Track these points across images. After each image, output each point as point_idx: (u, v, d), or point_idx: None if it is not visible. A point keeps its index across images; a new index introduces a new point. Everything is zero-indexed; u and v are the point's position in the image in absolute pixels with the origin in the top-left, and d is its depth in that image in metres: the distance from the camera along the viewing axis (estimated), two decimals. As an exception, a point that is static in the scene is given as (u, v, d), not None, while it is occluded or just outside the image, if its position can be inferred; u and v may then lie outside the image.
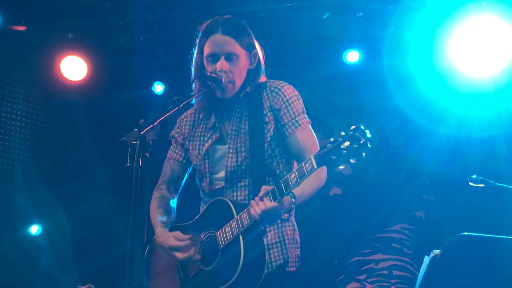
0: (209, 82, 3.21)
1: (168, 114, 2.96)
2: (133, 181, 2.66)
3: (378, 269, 5.82)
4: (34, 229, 6.05)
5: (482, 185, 4.32)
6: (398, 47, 5.39)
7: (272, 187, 2.96)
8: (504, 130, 5.33)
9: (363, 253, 5.91)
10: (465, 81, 5.22)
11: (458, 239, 2.83)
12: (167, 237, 3.29)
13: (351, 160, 2.71)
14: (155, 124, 2.80)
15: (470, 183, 4.35)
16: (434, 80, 5.35)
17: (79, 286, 4.56)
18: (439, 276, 2.86)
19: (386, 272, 5.79)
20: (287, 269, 3.27)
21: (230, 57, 3.25)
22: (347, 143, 2.71)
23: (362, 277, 5.84)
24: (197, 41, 3.35)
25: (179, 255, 3.22)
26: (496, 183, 4.31)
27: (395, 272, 5.77)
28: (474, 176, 4.36)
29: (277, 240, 3.27)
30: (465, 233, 2.85)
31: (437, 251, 2.89)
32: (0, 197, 5.80)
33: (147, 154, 2.70)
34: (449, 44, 5.18)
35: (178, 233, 3.26)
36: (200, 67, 3.32)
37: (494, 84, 5.17)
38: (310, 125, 3.33)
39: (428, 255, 2.94)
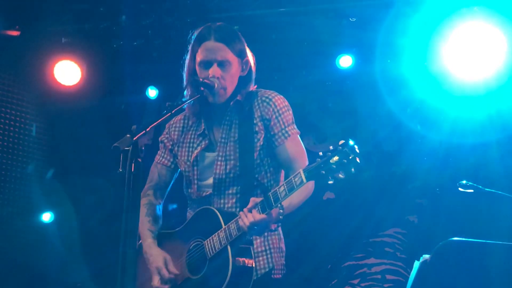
0: (202, 88, 3.23)
1: (160, 120, 2.97)
2: (125, 187, 2.67)
3: (371, 273, 5.83)
4: (47, 217, 6.15)
5: (472, 191, 4.33)
6: (391, 52, 5.41)
7: (261, 199, 2.98)
8: (496, 135, 5.34)
9: (356, 258, 5.92)
10: (457, 85, 5.24)
11: (447, 244, 2.84)
12: (158, 255, 3.31)
13: (340, 175, 2.72)
14: (147, 129, 2.80)
15: (460, 189, 4.37)
16: (427, 85, 5.37)
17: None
18: (428, 281, 2.88)
19: (379, 276, 5.80)
20: (273, 276, 3.30)
21: (222, 64, 3.27)
22: (336, 158, 2.73)
23: (356, 281, 5.85)
24: (190, 47, 3.37)
25: (156, 281, 3.26)
26: (486, 189, 4.32)
27: (388, 277, 5.78)
28: (463, 182, 4.37)
29: (263, 248, 3.30)
30: (454, 238, 2.87)
31: (426, 256, 2.91)
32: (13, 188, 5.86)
33: (139, 160, 2.71)
34: (441, 49, 5.20)
35: (169, 260, 3.27)
36: (192, 73, 3.34)
37: (486, 89, 5.19)
38: (299, 136, 3.36)
39: (419, 259, 2.96)
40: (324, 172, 2.75)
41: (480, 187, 4.28)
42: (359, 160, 2.70)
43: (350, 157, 2.71)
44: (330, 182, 2.75)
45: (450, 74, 5.24)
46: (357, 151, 2.72)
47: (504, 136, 5.31)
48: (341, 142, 2.75)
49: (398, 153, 5.90)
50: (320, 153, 2.79)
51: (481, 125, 5.30)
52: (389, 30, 5.27)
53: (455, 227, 5.44)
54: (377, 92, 5.62)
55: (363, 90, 5.87)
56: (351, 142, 2.73)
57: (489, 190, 4.29)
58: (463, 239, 2.86)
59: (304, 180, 2.83)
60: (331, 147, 2.76)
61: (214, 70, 3.24)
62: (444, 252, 2.84)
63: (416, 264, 2.96)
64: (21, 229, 5.90)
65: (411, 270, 3.16)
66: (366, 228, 5.91)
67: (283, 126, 3.30)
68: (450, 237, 2.92)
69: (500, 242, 2.89)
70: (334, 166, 2.72)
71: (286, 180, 2.92)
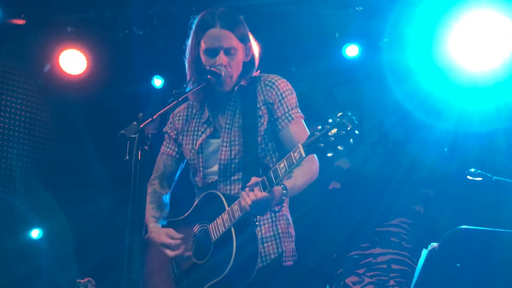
0: (209, 76, 3.21)
1: (167, 108, 2.95)
2: (131, 174, 2.66)
3: (377, 263, 5.84)
4: (35, 233, 6.05)
5: (480, 179, 4.32)
6: (397, 41, 5.38)
7: (262, 177, 2.95)
8: (503, 124, 5.33)
9: (362, 247, 5.92)
10: (464, 75, 5.21)
11: (456, 232, 2.84)
12: (159, 233, 3.30)
13: (339, 147, 2.68)
14: (154, 117, 2.78)
15: (468, 177, 4.35)
16: (434, 75, 5.35)
17: (78, 280, 4.56)
18: (436, 268, 2.87)
19: (385, 266, 5.80)
20: (284, 263, 3.27)
21: (229, 51, 3.24)
22: (334, 130, 2.69)
23: (361, 271, 5.85)
24: (192, 33, 3.33)
25: (169, 252, 3.24)
26: (494, 177, 4.31)
27: (394, 266, 5.79)
28: (472, 170, 4.36)
29: (271, 233, 3.27)
30: (463, 226, 2.86)
31: (435, 244, 2.90)
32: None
33: (146, 147, 2.70)
34: (448, 39, 5.17)
35: (170, 230, 3.27)
36: (196, 60, 3.31)
37: (494, 79, 5.16)
38: (303, 120, 3.33)
39: (427, 248, 2.95)
40: (323, 145, 2.72)
41: (489, 175, 4.27)
42: (358, 131, 2.67)
43: (349, 128, 2.67)
44: (329, 154, 2.72)
45: (457, 64, 5.21)
46: (356, 122, 2.68)
47: (511, 124, 5.29)
48: (339, 114, 2.71)
49: (405, 143, 5.90)
50: (319, 127, 2.76)
51: (488, 115, 5.28)
52: (395, 19, 5.24)
53: (461, 217, 5.43)
54: (384, 82, 5.60)
55: (370, 80, 5.85)
56: (349, 114, 2.69)
57: (498, 178, 4.28)
58: (472, 227, 2.85)
59: (303, 154, 2.79)
60: (329, 120, 2.73)
61: (221, 58, 3.22)
62: (453, 240, 2.83)
63: (424, 252, 2.96)
64: (7, 247, 5.80)
65: (416, 260, 3.16)
66: (371, 218, 5.90)
67: (286, 110, 3.27)
68: (456, 227, 2.91)
69: (508, 230, 2.88)
70: (333, 139, 2.68)
71: (286, 156, 2.88)
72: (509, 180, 4.29)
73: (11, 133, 5.87)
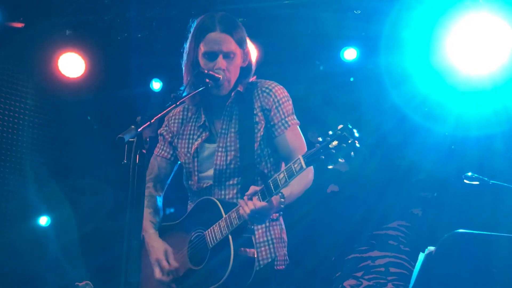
0: (207, 80, 3.21)
1: (165, 111, 2.97)
2: (130, 178, 2.67)
3: (375, 266, 5.83)
4: (44, 221, 6.15)
5: (477, 183, 4.33)
6: (395, 44, 5.39)
7: (261, 186, 2.97)
8: (502, 128, 5.33)
9: (360, 250, 5.92)
10: (462, 79, 5.22)
11: (453, 236, 2.84)
12: (159, 247, 3.31)
13: (339, 160, 2.71)
14: (152, 121, 2.78)
15: (465, 181, 4.36)
16: (432, 78, 5.36)
17: (76, 283, 4.56)
18: (433, 272, 2.88)
19: (383, 269, 5.80)
20: (275, 267, 3.30)
21: (228, 56, 3.25)
22: (335, 143, 2.72)
23: (359, 274, 5.85)
24: (191, 36, 3.34)
25: (157, 273, 3.26)
26: (491, 181, 4.31)
27: (392, 269, 5.78)
28: (469, 174, 4.36)
29: (265, 239, 3.29)
30: (459, 230, 2.87)
31: (432, 248, 2.91)
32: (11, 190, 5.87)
33: (144, 151, 2.70)
34: (446, 42, 5.18)
35: (170, 251, 3.28)
36: (195, 64, 3.31)
37: (492, 82, 5.17)
38: (298, 127, 3.35)
39: (424, 252, 2.96)
40: (323, 157, 2.75)
41: (486, 179, 4.27)
42: (358, 143, 2.69)
43: (349, 141, 2.70)
44: (330, 167, 2.74)
45: (455, 67, 5.22)
46: (356, 135, 2.71)
47: (509, 128, 5.29)
48: (340, 126, 2.74)
49: (403, 146, 5.90)
50: (319, 138, 2.78)
51: (486, 118, 5.28)
52: (394, 22, 5.25)
53: (459, 220, 5.43)
54: (382, 85, 5.61)
55: (368, 83, 5.86)
56: (349, 126, 2.72)
57: (495, 182, 4.28)
58: (469, 231, 2.86)
59: (304, 165, 2.82)
60: (330, 132, 2.75)
61: (220, 62, 3.23)
62: (449, 244, 2.84)
63: (421, 256, 2.96)
64: (18, 233, 5.88)
65: (414, 263, 3.17)
66: (370, 221, 5.91)
67: (283, 116, 3.30)
68: (454, 230, 2.91)
69: (505, 234, 2.89)
70: (334, 151, 2.72)
71: (286, 167, 2.90)
72: (506, 184, 4.29)
73: (9, 135, 5.88)
